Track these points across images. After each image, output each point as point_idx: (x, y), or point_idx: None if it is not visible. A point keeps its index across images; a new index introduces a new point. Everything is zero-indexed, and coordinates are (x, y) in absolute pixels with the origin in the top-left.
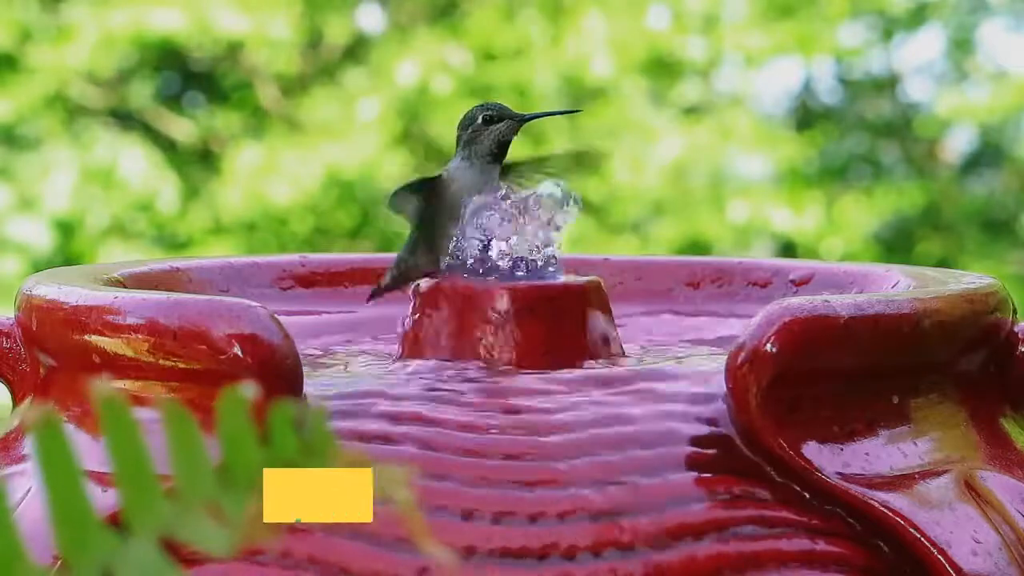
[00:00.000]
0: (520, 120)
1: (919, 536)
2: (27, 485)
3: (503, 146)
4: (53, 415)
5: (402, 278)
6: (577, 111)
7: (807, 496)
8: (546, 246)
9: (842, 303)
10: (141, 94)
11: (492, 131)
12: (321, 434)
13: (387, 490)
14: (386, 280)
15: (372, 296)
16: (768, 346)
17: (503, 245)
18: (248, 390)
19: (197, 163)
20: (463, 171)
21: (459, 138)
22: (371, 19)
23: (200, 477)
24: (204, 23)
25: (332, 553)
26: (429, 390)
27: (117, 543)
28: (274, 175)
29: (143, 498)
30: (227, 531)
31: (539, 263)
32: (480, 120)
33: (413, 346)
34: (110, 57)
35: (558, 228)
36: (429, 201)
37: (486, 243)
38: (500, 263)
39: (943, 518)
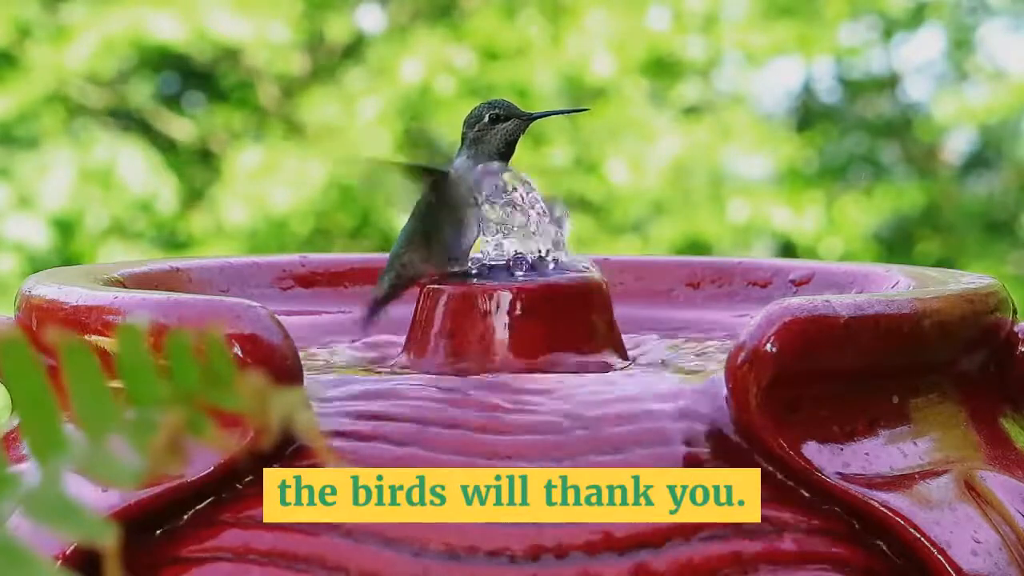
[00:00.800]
0: (527, 119)
1: (919, 536)
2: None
3: (510, 145)
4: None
5: (401, 283)
6: (584, 109)
7: (807, 496)
8: (551, 248)
9: (842, 303)
10: (140, 93)
11: (499, 130)
12: (222, 362)
13: (289, 413)
14: (384, 288)
15: (372, 313)
16: (768, 346)
17: (504, 245)
18: (142, 321)
19: (197, 163)
20: (469, 171)
21: (464, 136)
22: (371, 19)
23: (103, 412)
24: (203, 29)
25: (332, 553)
26: (430, 390)
27: (24, 483)
28: (275, 178)
29: (48, 437)
30: (132, 464)
31: (540, 263)
32: (487, 119)
33: (414, 346)
34: (109, 58)
35: (561, 227)
36: (432, 197)
37: (489, 243)
38: (501, 263)
39: (943, 518)
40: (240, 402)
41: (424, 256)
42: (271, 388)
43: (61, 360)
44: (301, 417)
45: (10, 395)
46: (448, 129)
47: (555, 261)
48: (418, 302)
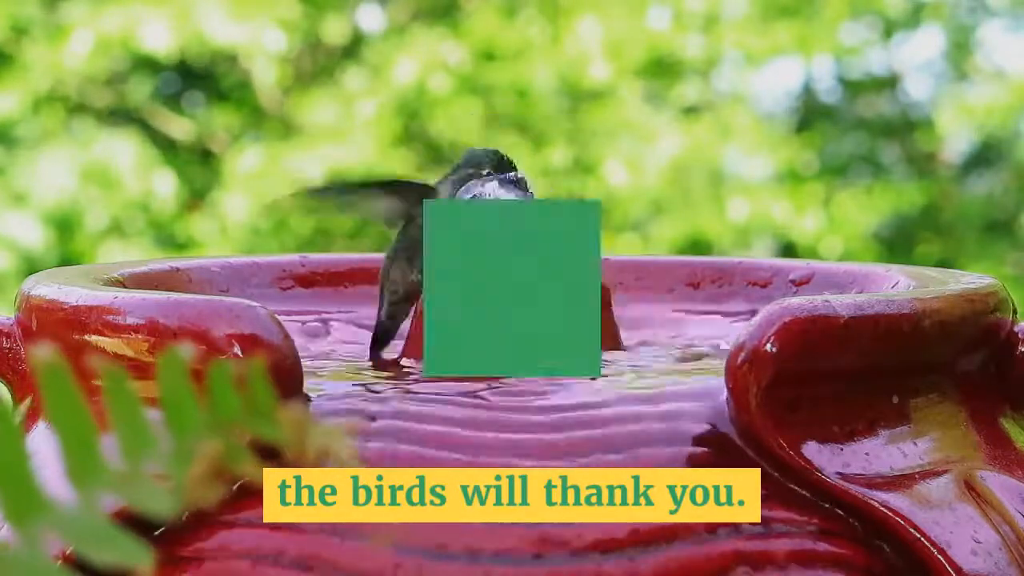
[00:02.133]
0: (519, 184)
1: (919, 536)
2: None
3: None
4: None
5: (397, 302)
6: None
7: (807, 496)
8: None
9: (842, 303)
10: (139, 92)
11: (489, 188)
12: (263, 393)
13: (329, 446)
14: (384, 315)
15: (381, 344)
16: (768, 346)
17: None
18: (186, 351)
19: (197, 163)
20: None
21: (457, 167)
22: (370, 19)
23: (142, 440)
24: (199, 35)
25: (332, 552)
26: (429, 389)
27: (61, 507)
28: (275, 178)
29: (86, 462)
30: (170, 493)
31: None
32: (481, 172)
33: (413, 345)
34: (106, 58)
35: None
36: (416, 213)
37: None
38: None
39: (943, 518)
40: (280, 433)
41: (410, 272)
42: (311, 419)
43: (101, 386)
44: (340, 449)
45: (49, 419)
46: (448, 127)
47: None
48: (418, 302)
